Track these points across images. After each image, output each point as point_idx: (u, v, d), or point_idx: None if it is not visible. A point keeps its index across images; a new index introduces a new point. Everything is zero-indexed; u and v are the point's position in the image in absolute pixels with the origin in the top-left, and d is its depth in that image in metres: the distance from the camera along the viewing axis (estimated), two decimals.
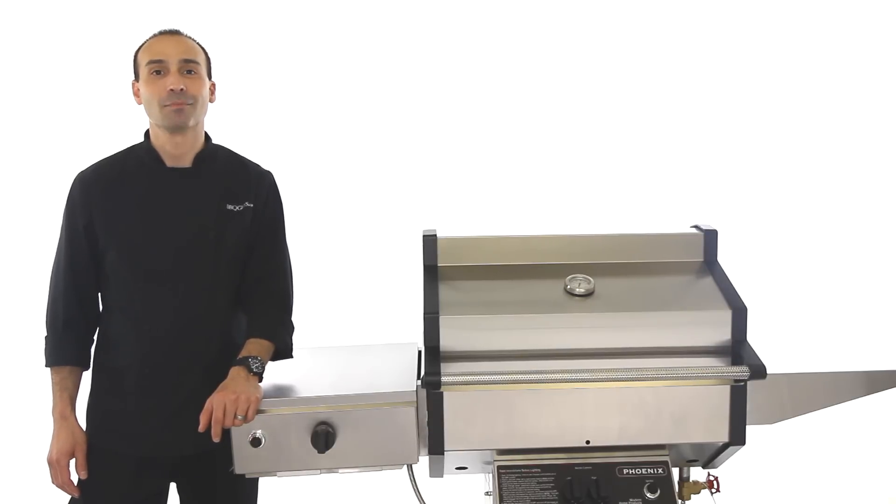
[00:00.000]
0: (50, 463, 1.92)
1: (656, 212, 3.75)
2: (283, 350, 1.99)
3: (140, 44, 1.95)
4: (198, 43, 1.97)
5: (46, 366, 1.96)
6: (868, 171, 3.91)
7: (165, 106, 1.86)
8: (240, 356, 1.88)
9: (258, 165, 2.08)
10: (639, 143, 3.88)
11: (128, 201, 1.91)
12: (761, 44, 3.87)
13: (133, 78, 1.96)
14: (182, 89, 1.86)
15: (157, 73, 1.88)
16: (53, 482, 1.93)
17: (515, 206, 3.76)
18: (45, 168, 3.50)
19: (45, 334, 1.97)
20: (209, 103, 1.98)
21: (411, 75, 3.82)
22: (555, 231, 2.03)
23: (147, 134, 1.98)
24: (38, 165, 3.60)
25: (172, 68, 1.88)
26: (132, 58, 1.96)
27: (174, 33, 1.94)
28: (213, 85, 2.00)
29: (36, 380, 2.10)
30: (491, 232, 2.02)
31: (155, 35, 1.94)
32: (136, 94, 1.95)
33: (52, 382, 1.95)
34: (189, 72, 1.90)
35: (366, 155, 3.82)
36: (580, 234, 2.02)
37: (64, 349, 1.95)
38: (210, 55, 2.01)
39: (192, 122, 1.91)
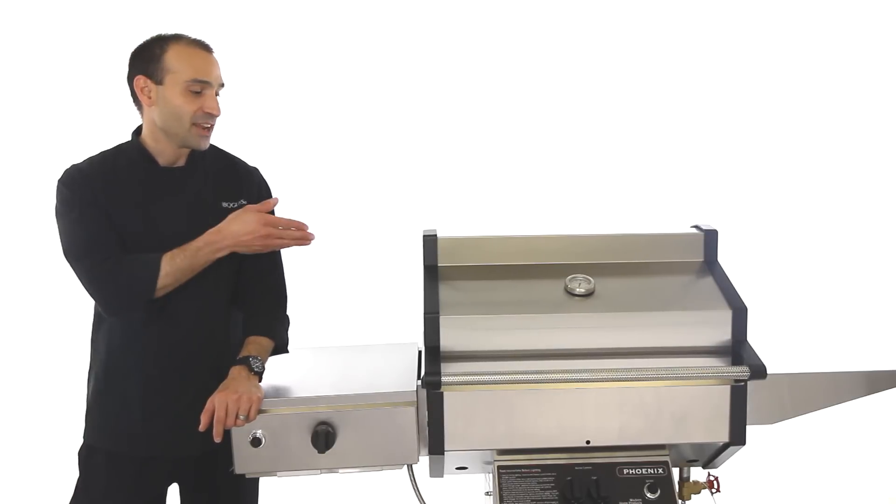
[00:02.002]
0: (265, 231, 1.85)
1: (656, 212, 3.75)
2: (281, 346, 2.00)
3: (163, 42, 1.83)
4: None
5: (150, 283, 1.81)
6: (868, 171, 3.91)
7: (195, 125, 1.85)
8: (240, 356, 1.88)
9: (245, 162, 2.07)
10: (639, 143, 3.88)
11: (126, 200, 1.89)
12: (761, 44, 3.87)
13: (144, 74, 1.83)
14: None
15: (197, 92, 1.84)
16: (279, 239, 1.88)
17: (515, 206, 3.76)
18: (37, 168, 3.50)
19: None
20: None
21: (411, 76, 3.82)
22: (555, 231, 2.02)
23: (136, 133, 1.94)
24: (30, 165, 3.60)
25: (211, 91, 1.86)
26: (149, 54, 1.83)
27: (210, 51, 1.89)
28: None
29: (34, 383, 2.08)
30: (491, 232, 2.02)
31: (190, 44, 1.86)
32: (148, 93, 1.84)
33: (180, 257, 1.82)
34: (217, 94, 1.90)
35: (366, 155, 3.82)
36: (580, 234, 2.01)
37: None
38: None
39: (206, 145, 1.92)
